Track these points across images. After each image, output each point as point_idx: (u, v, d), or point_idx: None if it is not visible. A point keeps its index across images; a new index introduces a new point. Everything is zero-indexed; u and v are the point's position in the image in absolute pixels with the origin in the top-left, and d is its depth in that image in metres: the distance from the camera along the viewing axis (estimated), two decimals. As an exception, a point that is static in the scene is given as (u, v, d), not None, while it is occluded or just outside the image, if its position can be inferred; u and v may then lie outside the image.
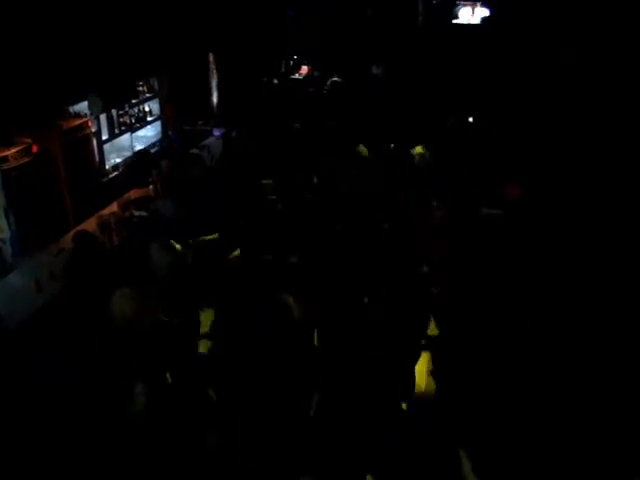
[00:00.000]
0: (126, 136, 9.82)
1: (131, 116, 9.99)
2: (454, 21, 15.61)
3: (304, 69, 15.58)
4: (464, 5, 15.01)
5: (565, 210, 7.58)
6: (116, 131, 9.53)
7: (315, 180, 7.99)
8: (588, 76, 11.30)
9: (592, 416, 4.42)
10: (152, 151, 10.36)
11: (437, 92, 12.61)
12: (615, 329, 5.39)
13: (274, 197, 7.36)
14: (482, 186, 7.72)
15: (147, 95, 10.47)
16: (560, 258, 6.33)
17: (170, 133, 10.85)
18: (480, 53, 13.73)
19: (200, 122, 11.58)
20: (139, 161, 9.03)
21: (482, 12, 14.97)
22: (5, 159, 6.75)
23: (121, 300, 4.66)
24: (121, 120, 9.69)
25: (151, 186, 8.35)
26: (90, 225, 7.28)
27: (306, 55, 15.70)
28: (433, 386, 4.54)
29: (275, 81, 14.38)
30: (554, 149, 9.64)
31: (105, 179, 9.05)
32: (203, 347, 4.77)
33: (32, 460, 4.03)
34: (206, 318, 4.87)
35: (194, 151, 9.69)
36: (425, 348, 4.69)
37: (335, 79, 14.03)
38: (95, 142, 8.78)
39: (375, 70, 14.75)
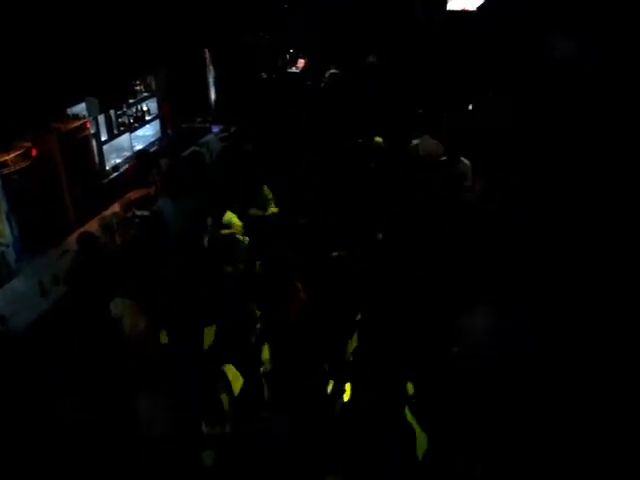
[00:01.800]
0: (125, 136, 9.79)
1: (129, 116, 9.95)
2: (449, 7, 15.52)
3: (301, 62, 15.51)
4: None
5: (565, 202, 7.55)
6: (115, 131, 9.49)
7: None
8: (586, 68, 11.25)
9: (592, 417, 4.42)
10: (151, 150, 10.35)
11: (435, 81, 12.54)
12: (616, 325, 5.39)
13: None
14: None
15: (144, 94, 10.43)
16: (559, 251, 6.31)
17: (169, 131, 10.83)
18: (476, 41, 13.65)
19: (198, 119, 11.55)
20: (140, 161, 8.95)
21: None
22: (5, 164, 6.74)
23: (118, 308, 4.71)
24: (120, 120, 9.65)
25: (152, 185, 8.35)
26: (92, 226, 7.28)
27: (302, 48, 15.63)
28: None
29: (272, 75, 14.31)
30: (553, 140, 9.59)
31: (106, 180, 9.04)
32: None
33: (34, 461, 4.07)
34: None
35: (194, 149, 9.68)
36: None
37: (333, 71, 13.95)
38: (94, 143, 8.75)
39: (371, 59, 14.65)
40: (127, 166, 9.53)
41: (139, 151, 8.81)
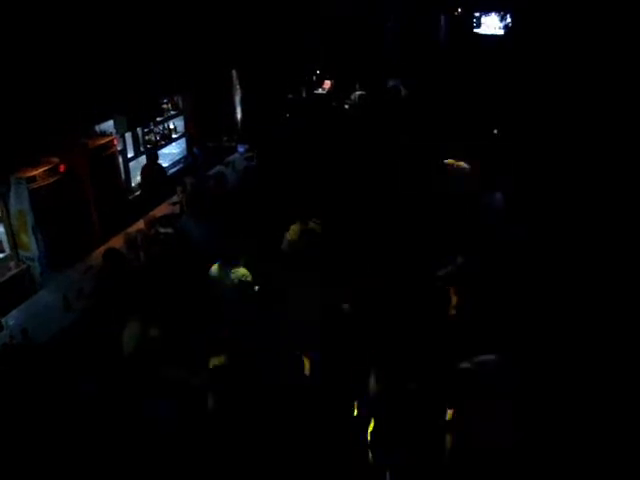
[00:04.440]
0: (151, 154, 9.88)
1: (156, 134, 10.08)
2: (476, 30, 15.60)
3: (327, 84, 15.59)
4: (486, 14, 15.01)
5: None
6: (141, 149, 9.61)
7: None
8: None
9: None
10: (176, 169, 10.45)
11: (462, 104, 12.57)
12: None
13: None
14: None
15: (172, 113, 10.57)
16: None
17: (195, 150, 10.91)
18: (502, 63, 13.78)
19: (225, 138, 11.62)
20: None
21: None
22: (33, 179, 6.82)
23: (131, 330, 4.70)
24: (146, 138, 9.78)
25: (176, 204, 8.39)
26: (117, 243, 7.31)
27: (329, 70, 15.72)
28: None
29: (299, 96, 14.41)
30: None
31: (131, 196, 9.12)
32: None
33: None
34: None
35: (219, 168, 9.73)
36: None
37: (361, 92, 14.01)
38: (121, 160, 8.86)
39: (392, 83, 14.72)
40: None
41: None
